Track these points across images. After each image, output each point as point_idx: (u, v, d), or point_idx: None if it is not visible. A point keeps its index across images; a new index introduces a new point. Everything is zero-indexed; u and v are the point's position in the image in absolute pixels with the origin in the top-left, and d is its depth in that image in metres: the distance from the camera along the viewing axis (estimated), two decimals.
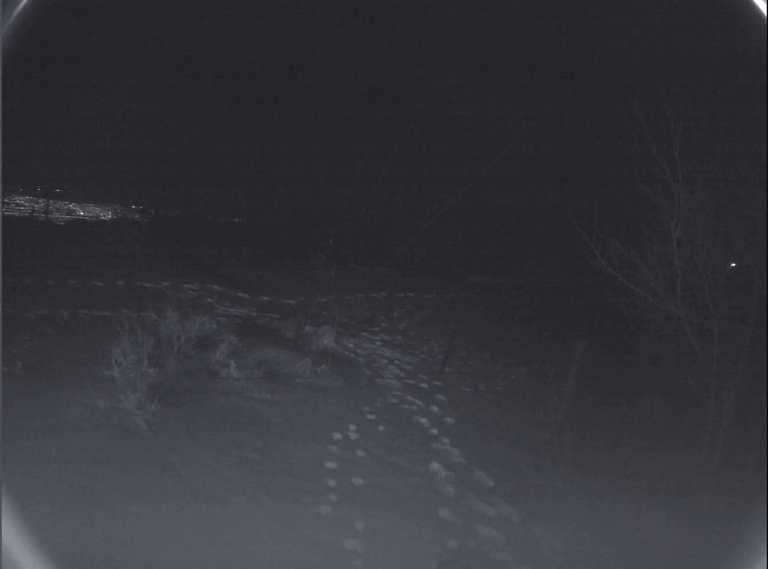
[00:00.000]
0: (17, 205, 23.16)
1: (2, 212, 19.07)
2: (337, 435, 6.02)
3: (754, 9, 3.66)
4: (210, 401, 6.32)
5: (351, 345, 9.94)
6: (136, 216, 25.58)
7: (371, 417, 6.72)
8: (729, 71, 6.02)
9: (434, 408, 7.33)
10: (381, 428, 6.43)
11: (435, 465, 5.63)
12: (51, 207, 22.63)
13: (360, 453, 5.71)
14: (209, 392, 6.54)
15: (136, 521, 4.05)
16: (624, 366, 8.32)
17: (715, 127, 5.82)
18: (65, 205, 25.55)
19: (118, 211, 25.85)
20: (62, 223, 22.52)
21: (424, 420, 6.87)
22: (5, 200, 21.23)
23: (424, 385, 8.28)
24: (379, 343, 10.60)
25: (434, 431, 6.59)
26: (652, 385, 7.01)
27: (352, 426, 6.31)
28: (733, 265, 5.99)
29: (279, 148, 24.59)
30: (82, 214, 25.98)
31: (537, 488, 5.50)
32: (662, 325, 6.29)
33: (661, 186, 6.10)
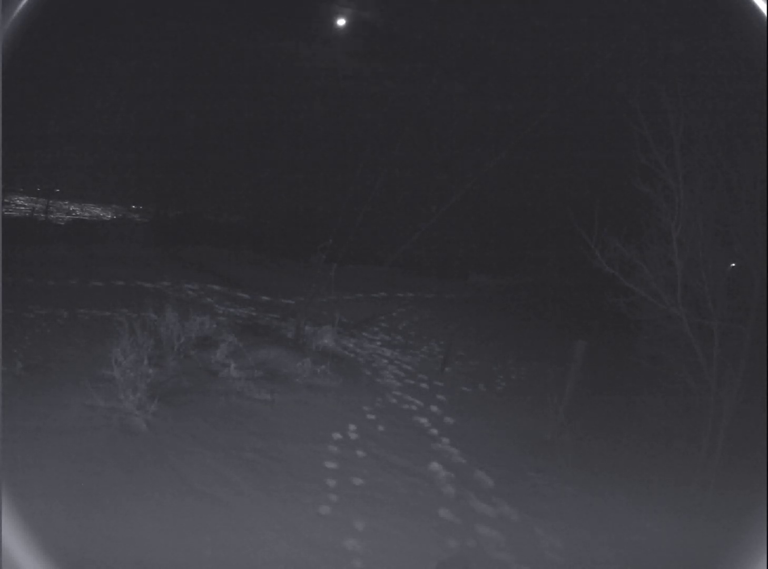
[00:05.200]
0: (17, 205, 23.16)
1: (2, 212, 19.08)
2: (337, 435, 6.02)
3: (754, 9, 3.66)
4: (210, 401, 6.32)
5: (351, 345, 9.93)
6: (136, 216, 25.59)
7: (371, 417, 6.71)
8: (729, 71, 6.02)
9: (434, 408, 7.33)
10: (381, 428, 6.43)
11: (435, 465, 5.64)
12: (51, 207, 22.62)
13: (360, 453, 5.71)
14: (209, 392, 6.54)
15: (136, 521, 4.05)
16: (624, 366, 8.32)
17: (716, 127, 5.82)
18: (65, 205, 25.55)
19: (118, 211, 25.86)
20: (62, 223, 22.53)
21: (424, 420, 6.87)
22: (5, 200, 21.23)
23: (424, 385, 8.28)
24: (379, 343, 10.60)
25: (434, 431, 6.59)
26: (652, 385, 7.00)
27: (352, 426, 6.31)
28: (733, 265, 5.99)
29: (279, 148, 24.59)
30: (81, 213, 25.99)
31: (537, 488, 5.51)
32: (662, 325, 6.29)
33: (662, 186, 6.10)
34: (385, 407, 7.13)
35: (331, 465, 5.35)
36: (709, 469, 5.77)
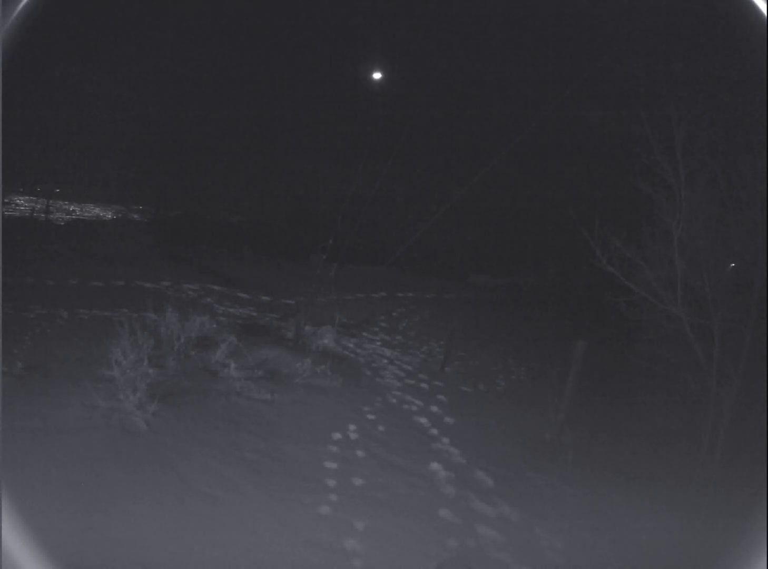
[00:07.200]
0: (17, 205, 23.17)
1: (2, 212, 19.08)
2: (337, 435, 6.02)
3: (754, 9, 3.66)
4: (210, 401, 6.32)
5: (351, 345, 9.93)
6: (137, 216, 25.60)
7: (371, 417, 6.71)
8: (729, 71, 6.02)
9: (434, 408, 7.33)
10: (381, 428, 6.43)
11: (435, 465, 5.64)
12: (51, 207, 22.61)
13: (360, 453, 5.71)
14: (209, 392, 6.54)
15: (135, 521, 4.05)
16: (624, 366, 8.32)
17: (717, 127, 5.82)
18: (65, 205, 25.55)
19: (119, 211, 25.85)
20: (62, 223, 22.52)
21: (424, 420, 6.87)
22: (5, 200, 21.23)
23: (424, 385, 8.28)
24: (379, 343, 10.60)
25: (434, 431, 6.59)
26: (652, 385, 7.00)
27: (352, 426, 6.31)
28: (733, 265, 5.99)
29: (279, 148, 24.60)
30: (81, 213, 25.99)
31: (537, 488, 5.50)
32: (662, 325, 6.29)
33: (663, 186, 6.10)
34: (385, 407, 7.13)
35: (331, 465, 5.35)
36: (710, 469, 5.77)
